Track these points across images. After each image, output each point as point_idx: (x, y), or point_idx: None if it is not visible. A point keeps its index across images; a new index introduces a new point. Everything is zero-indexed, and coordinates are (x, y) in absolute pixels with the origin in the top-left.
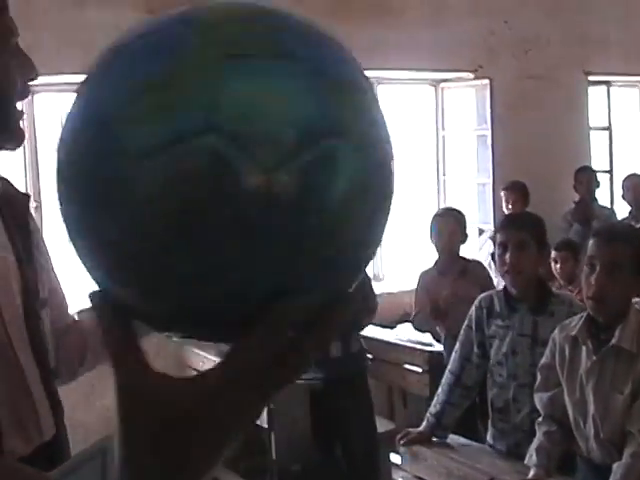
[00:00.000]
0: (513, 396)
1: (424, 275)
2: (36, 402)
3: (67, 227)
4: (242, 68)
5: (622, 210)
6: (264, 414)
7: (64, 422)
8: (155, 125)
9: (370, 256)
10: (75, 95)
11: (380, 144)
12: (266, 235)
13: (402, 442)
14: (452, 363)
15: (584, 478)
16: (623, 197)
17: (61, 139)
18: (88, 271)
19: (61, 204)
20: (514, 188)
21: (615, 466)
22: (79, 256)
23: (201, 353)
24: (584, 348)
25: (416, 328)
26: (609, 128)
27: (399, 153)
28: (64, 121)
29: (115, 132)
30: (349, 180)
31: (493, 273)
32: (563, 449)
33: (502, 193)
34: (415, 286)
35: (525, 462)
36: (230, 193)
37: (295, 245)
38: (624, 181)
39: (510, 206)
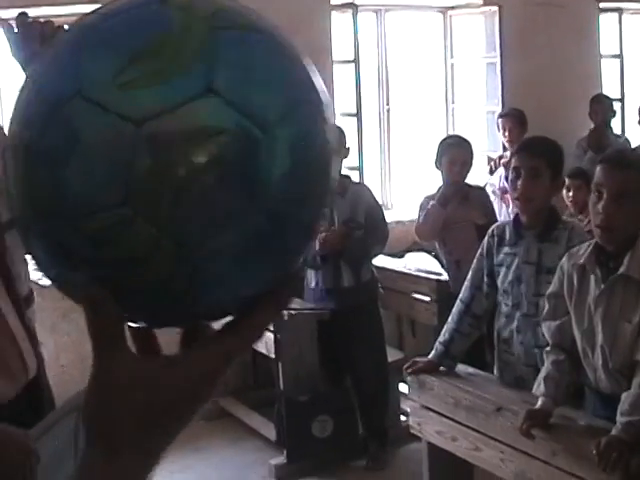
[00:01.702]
0: (517, 326)
1: (428, 199)
2: (16, 336)
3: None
4: (230, 38)
5: (636, 138)
6: (272, 345)
7: (42, 355)
8: (153, 89)
9: (311, 237)
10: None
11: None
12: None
13: (409, 371)
14: (463, 291)
15: (592, 408)
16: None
17: (22, 121)
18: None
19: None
20: (511, 115)
21: (624, 396)
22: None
23: None
24: (592, 277)
25: (420, 238)
26: (620, 56)
27: (409, 81)
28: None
29: (105, 103)
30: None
31: (496, 201)
32: (571, 379)
33: (499, 120)
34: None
35: (533, 391)
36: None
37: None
38: None
39: (507, 133)
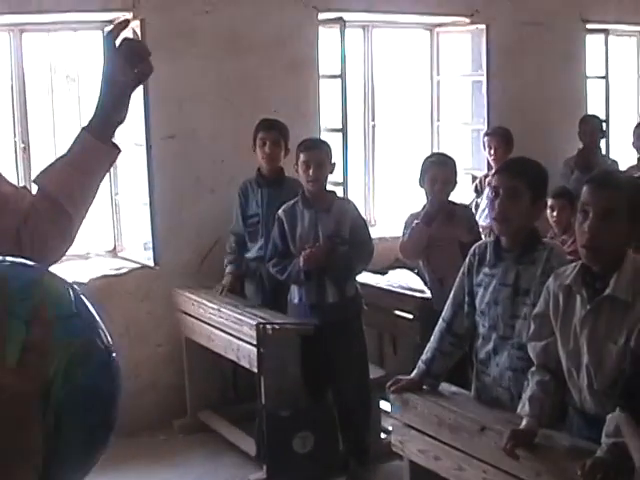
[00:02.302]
0: (493, 348)
1: (413, 217)
2: None
3: None
4: None
5: (621, 159)
6: (254, 359)
7: None
8: None
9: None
10: None
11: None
12: None
13: (392, 389)
14: (445, 310)
15: (577, 429)
16: (633, 145)
17: None
18: None
19: None
20: (496, 134)
21: (609, 417)
22: None
23: (191, 296)
24: (578, 297)
25: (404, 256)
26: (606, 77)
27: (394, 97)
28: None
29: None
30: None
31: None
32: (556, 399)
33: (485, 138)
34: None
35: (517, 411)
36: None
37: None
38: (636, 128)
39: (492, 152)
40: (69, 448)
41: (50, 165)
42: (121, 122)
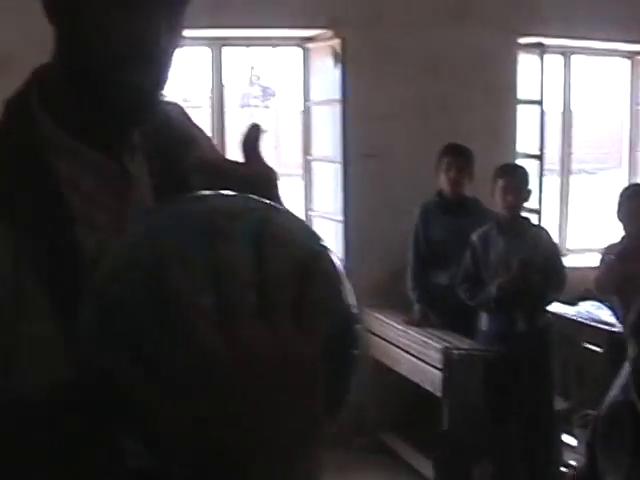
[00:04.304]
0: None
1: (609, 250)
2: None
3: None
4: None
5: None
6: (439, 384)
7: None
8: None
9: None
10: None
11: None
12: None
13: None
14: None
15: None
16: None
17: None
18: None
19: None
20: None
21: None
22: None
23: (379, 316)
24: None
25: (598, 290)
26: None
27: (592, 124)
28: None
29: None
30: None
31: None
32: None
33: None
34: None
35: None
36: None
37: None
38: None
39: None
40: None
41: None
42: None
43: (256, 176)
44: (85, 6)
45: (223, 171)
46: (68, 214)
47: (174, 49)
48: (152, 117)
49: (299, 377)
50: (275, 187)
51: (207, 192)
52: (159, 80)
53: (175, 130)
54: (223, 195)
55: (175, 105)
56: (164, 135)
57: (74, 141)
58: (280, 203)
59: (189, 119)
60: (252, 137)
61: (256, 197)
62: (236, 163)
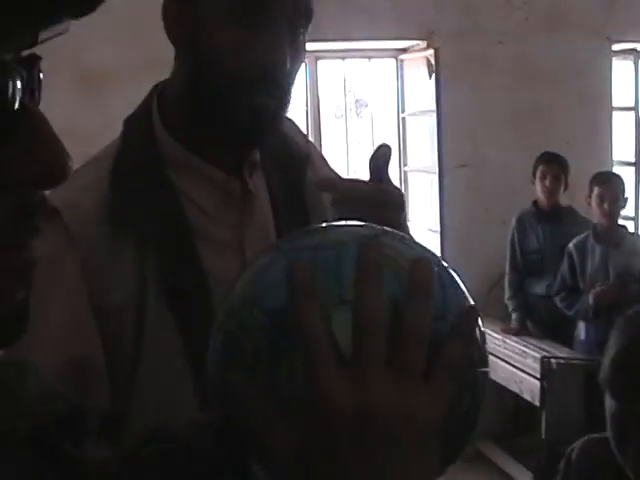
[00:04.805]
0: None
1: None
2: None
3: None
4: None
5: None
6: (537, 393)
7: None
8: None
9: None
10: None
11: None
12: None
13: None
14: None
15: None
16: None
17: None
18: None
19: None
20: None
21: None
22: None
23: None
24: None
25: None
26: None
27: None
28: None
29: None
30: None
31: None
32: None
33: None
34: None
35: None
36: None
37: None
38: None
39: None
40: None
41: None
42: None
43: (385, 198)
44: (212, 27)
45: (352, 192)
46: (188, 229)
47: (298, 69)
48: (273, 136)
49: (416, 435)
50: (402, 210)
51: (340, 224)
52: (283, 101)
53: (291, 145)
54: (361, 228)
55: (288, 120)
56: (281, 151)
57: (195, 158)
58: (407, 226)
59: (302, 133)
60: (381, 157)
61: (408, 238)
62: (364, 183)
